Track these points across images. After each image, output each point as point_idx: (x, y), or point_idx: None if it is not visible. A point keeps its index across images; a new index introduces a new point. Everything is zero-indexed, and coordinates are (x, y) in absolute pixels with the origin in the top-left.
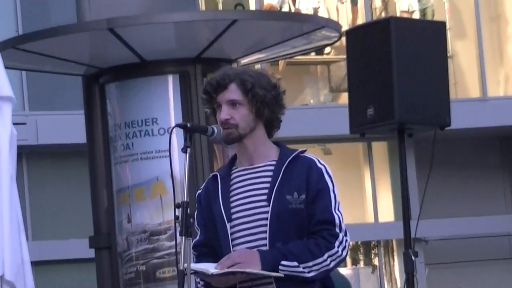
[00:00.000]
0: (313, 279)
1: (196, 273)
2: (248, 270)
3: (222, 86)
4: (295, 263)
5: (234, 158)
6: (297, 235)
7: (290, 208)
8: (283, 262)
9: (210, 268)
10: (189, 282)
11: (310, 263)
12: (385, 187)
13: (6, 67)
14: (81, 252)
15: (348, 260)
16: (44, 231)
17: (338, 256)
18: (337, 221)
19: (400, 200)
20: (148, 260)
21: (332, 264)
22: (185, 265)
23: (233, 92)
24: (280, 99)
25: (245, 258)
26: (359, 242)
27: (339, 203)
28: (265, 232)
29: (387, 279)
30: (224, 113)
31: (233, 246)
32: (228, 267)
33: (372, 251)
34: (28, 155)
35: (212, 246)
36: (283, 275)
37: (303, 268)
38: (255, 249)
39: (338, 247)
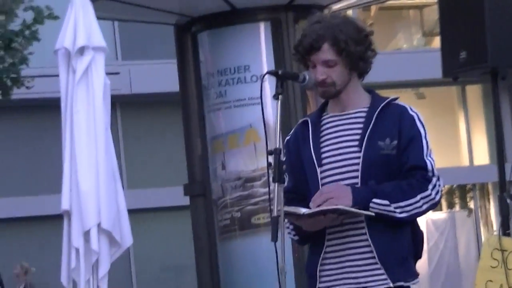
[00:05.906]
0: (404, 221)
1: (287, 215)
2: (339, 206)
3: (315, 48)
4: (387, 202)
5: (325, 104)
6: (387, 181)
7: (381, 154)
8: (375, 200)
9: (301, 209)
10: (283, 228)
11: (402, 203)
12: (480, 130)
13: (98, 18)
14: (176, 199)
15: (444, 204)
16: (139, 180)
17: (431, 199)
18: (429, 166)
19: (495, 143)
20: (243, 206)
21: (424, 206)
22: (279, 209)
23: (327, 52)
24: (372, 47)
25: (337, 193)
26: (454, 186)
27: (431, 150)
28: (356, 177)
29: (482, 223)
30: (320, 73)
31: None
32: (320, 205)
33: (468, 195)
34: (122, 105)
35: (300, 192)
36: (373, 214)
37: (395, 208)
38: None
39: (432, 190)
